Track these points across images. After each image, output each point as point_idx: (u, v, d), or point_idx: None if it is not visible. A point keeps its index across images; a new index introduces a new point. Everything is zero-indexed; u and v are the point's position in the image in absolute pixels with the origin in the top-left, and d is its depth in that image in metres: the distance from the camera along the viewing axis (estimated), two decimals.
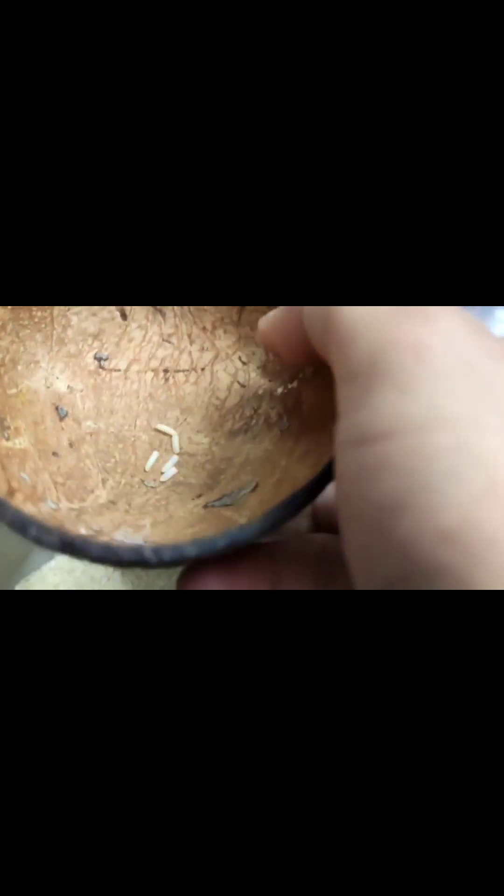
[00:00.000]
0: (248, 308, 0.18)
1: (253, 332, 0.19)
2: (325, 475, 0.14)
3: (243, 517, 0.15)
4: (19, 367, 0.17)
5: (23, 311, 0.17)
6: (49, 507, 0.15)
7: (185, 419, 0.19)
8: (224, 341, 0.19)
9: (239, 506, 0.16)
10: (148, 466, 0.18)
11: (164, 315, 0.19)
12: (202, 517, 0.16)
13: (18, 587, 0.34)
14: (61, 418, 0.18)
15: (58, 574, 0.40)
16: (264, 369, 0.18)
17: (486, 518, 0.11)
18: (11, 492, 0.15)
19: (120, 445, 0.18)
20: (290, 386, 0.18)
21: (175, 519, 0.16)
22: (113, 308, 0.19)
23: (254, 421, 0.18)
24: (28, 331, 0.18)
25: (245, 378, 0.19)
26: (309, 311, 0.16)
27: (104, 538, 0.15)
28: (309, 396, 0.17)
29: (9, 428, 0.16)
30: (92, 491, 0.17)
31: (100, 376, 0.19)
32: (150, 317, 0.19)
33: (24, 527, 0.13)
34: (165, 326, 0.19)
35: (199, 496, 0.17)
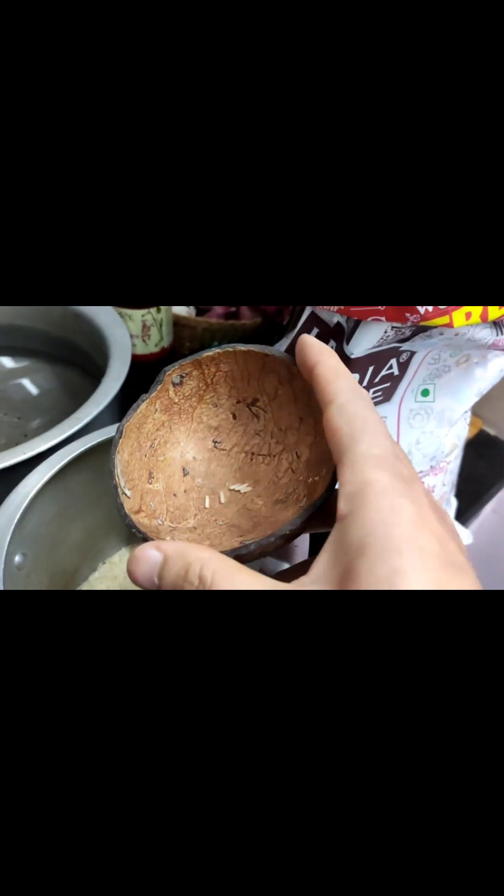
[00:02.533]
0: (305, 420, 0.27)
1: (306, 436, 0.27)
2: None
3: None
4: (168, 445, 0.28)
5: (176, 416, 0.28)
6: (157, 523, 0.25)
7: (255, 486, 0.28)
8: (290, 439, 0.28)
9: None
10: (207, 505, 0.28)
11: (258, 418, 0.29)
12: (235, 549, 0.23)
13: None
14: (184, 475, 0.28)
15: (104, 581, 0.41)
16: (307, 463, 0.26)
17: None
18: (139, 510, 0.25)
19: (211, 496, 0.28)
20: (315, 479, 0.25)
21: (222, 545, 0.24)
22: (228, 412, 0.29)
23: (290, 497, 0.26)
24: (177, 425, 0.29)
25: (296, 467, 0.27)
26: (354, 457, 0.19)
27: None
28: (318, 488, 0.24)
29: (153, 477, 0.27)
30: (186, 519, 0.27)
31: (213, 452, 0.29)
32: (250, 418, 0.29)
33: (130, 527, 0.23)
34: (258, 425, 0.29)
35: (241, 536, 0.25)
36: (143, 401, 0.27)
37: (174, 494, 0.27)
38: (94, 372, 0.56)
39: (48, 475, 0.38)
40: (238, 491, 0.28)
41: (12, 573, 0.34)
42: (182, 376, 0.28)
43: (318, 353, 0.23)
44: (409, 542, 0.17)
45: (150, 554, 0.20)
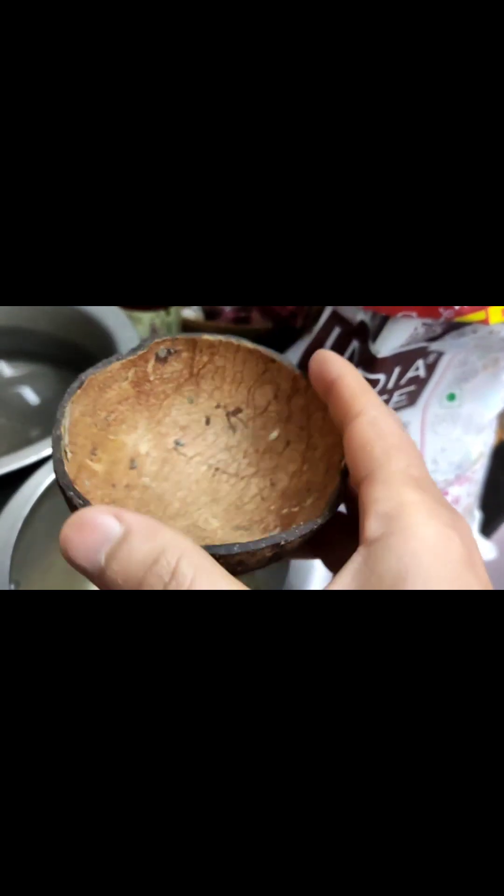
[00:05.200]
0: (292, 444, 0.23)
1: (287, 464, 0.23)
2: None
3: None
4: (123, 426, 0.23)
5: (143, 397, 0.23)
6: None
7: (210, 505, 0.23)
8: (266, 464, 0.23)
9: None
10: (148, 510, 0.23)
11: (234, 431, 0.24)
12: None
13: None
14: (131, 468, 0.23)
15: None
16: (283, 493, 0.22)
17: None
18: (75, 480, 0.19)
19: (156, 502, 0.23)
20: (292, 510, 0.21)
21: None
22: (202, 414, 0.24)
23: (256, 525, 0.22)
24: (141, 408, 0.23)
25: (267, 495, 0.22)
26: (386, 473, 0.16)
27: None
28: (300, 518, 0.20)
29: (95, 455, 0.22)
30: None
31: (170, 454, 0.24)
32: (224, 429, 0.24)
33: (66, 488, 0.17)
34: (231, 440, 0.24)
35: None
36: (117, 359, 0.22)
37: (113, 485, 0.22)
38: None
39: (44, 484, 0.33)
40: (190, 505, 0.23)
41: None
42: (170, 351, 0.23)
43: (342, 367, 0.20)
44: (458, 583, 0.15)
45: (103, 521, 0.14)
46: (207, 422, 0.24)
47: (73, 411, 0.20)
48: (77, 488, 0.18)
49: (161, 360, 0.23)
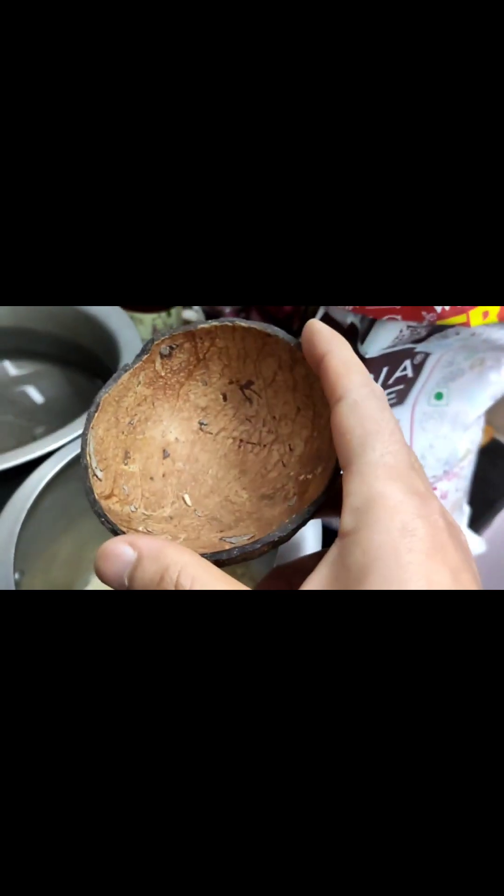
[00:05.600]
0: (303, 411, 0.24)
1: (301, 429, 0.24)
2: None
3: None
4: (149, 423, 0.24)
5: (160, 391, 0.25)
6: (130, 510, 0.22)
7: (240, 477, 0.24)
8: (284, 429, 0.24)
9: (234, 545, 0.20)
10: (188, 502, 0.24)
11: (250, 402, 0.25)
12: (214, 544, 0.21)
13: None
14: (164, 457, 0.24)
15: None
16: (300, 458, 0.23)
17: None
18: (111, 495, 0.22)
19: (193, 483, 0.24)
20: (308, 476, 0.22)
21: (200, 540, 0.21)
22: (218, 392, 0.25)
23: (278, 493, 0.23)
24: (161, 401, 0.25)
25: (287, 460, 0.24)
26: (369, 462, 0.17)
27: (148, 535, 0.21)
28: (311, 488, 0.21)
29: (129, 458, 0.23)
30: (163, 507, 0.23)
31: (198, 435, 0.25)
32: (242, 402, 0.25)
33: (99, 515, 0.20)
34: (249, 410, 0.25)
35: (221, 531, 0.22)
36: (124, 371, 0.23)
37: (151, 478, 0.24)
38: (103, 376, 0.53)
39: (48, 477, 0.35)
40: (222, 480, 0.25)
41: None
42: (172, 347, 0.24)
43: (329, 342, 0.19)
44: (419, 573, 0.15)
45: (121, 550, 0.17)
46: (224, 398, 0.25)
47: (97, 432, 0.22)
48: (107, 506, 0.20)
49: (166, 357, 0.24)
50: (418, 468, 0.17)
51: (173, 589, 0.16)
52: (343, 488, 0.17)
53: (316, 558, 0.23)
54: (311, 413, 0.23)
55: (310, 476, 0.22)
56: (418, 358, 0.39)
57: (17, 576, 0.33)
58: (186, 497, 0.24)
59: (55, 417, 0.57)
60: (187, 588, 0.16)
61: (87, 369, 0.58)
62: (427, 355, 0.39)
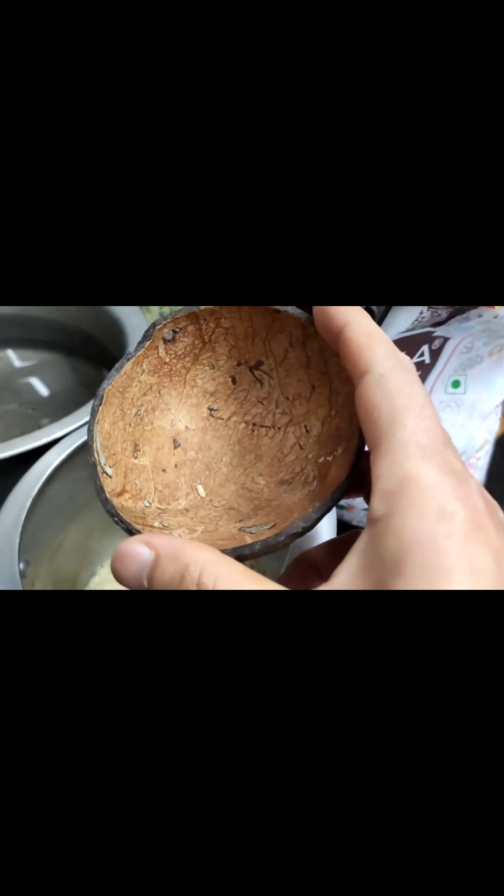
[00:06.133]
0: (318, 389, 0.22)
1: (317, 408, 0.22)
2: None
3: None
4: (156, 412, 0.23)
5: (166, 378, 0.23)
6: (143, 505, 0.21)
7: (256, 463, 0.23)
8: (298, 410, 0.23)
9: (255, 535, 0.19)
10: (202, 494, 0.23)
11: (261, 384, 0.24)
12: (233, 536, 0.20)
13: None
14: (175, 447, 0.23)
15: (105, 585, 0.37)
16: (318, 439, 0.22)
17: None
18: (123, 492, 0.20)
19: (207, 472, 0.23)
20: (327, 458, 0.21)
21: (218, 532, 0.20)
22: (227, 375, 0.24)
23: (297, 477, 0.22)
24: (167, 389, 0.23)
25: (304, 442, 0.22)
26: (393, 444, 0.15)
27: (165, 532, 0.20)
28: (332, 472, 0.20)
29: (139, 450, 0.22)
30: (177, 499, 0.22)
31: (208, 421, 0.24)
32: (252, 384, 0.24)
33: (111, 515, 0.19)
34: (261, 392, 0.24)
35: (240, 521, 0.21)
36: (127, 359, 0.22)
37: (163, 470, 0.23)
38: (110, 365, 0.52)
39: (53, 465, 0.33)
40: (237, 467, 0.23)
41: (20, 582, 0.29)
42: (175, 331, 0.23)
43: (347, 313, 0.18)
44: (460, 560, 0.14)
45: (138, 551, 0.16)
46: (234, 381, 0.24)
47: (103, 427, 0.21)
48: (119, 504, 0.19)
49: (170, 342, 0.23)
50: (452, 445, 0.16)
51: (194, 589, 0.15)
52: (371, 470, 0.16)
53: (343, 543, 0.21)
54: (328, 390, 0.22)
55: (329, 458, 0.20)
56: (436, 343, 0.38)
57: (22, 565, 0.32)
58: (200, 488, 0.23)
59: (60, 408, 0.55)
60: (210, 588, 0.15)
61: (93, 358, 0.56)
62: (446, 340, 0.38)
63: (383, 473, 0.15)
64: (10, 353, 0.59)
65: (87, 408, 0.38)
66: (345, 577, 0.15)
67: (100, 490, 0.19)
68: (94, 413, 0.20)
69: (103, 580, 0.41)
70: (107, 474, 0.20)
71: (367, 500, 0.19)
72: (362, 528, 0.16)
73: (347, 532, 0.22)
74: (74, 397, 0.56)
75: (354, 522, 0.47)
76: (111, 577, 0.43)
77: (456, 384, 0.42)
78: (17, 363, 0.59)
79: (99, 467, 0.20)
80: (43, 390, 0.58)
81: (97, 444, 0.20)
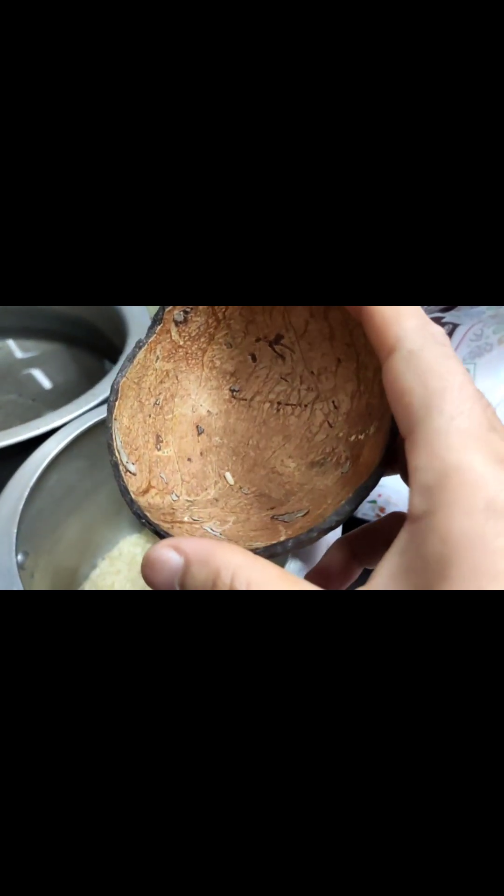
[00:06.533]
0: (344, 362, 0.20)
1: (345, 383, 0.21)
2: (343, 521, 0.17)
3: (284, 535, 0.18)
4: (176, 400, 0.22)
5: (182, 363, 0.22)
6: (171, 499, 0.20)
7: (284, 445, 0.22)
8: (325, 385, 0.21)
9: (289, 524, 0.18)
10: (231, 482, 0.21)
11: (283, 359, 0.22)
12: (266, 525, 0.18)
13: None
14: (199, 434, 0.22)
15: (108, 577, 0.36)
16: (347, 416, 0.20)
17: None
18: (148, 489, 0.19)
19: (234, 458, 0.22)
20: (359, 437, 0.19)
21: (250, 521, 0.19)
22: (246, 353, 0.22)
23: (329, 458, 0.20)
24: (185, 374, 0.22)
25: (334, 420, 0.21)
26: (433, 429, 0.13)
27: (196, 527, 0.19)
28: (366, 451, 0.18)
29: (162, 441, 0.21)
30: (206, 489, 0.21)
31: (231, 403, 0.22)
32: (273, 360, 0.22)
33: (138, 517, 0.17)
34: (284, 368, 0.22)
35: (272, 508, 0.20)
36: (139, 348, 0.20)
37: (189, 459, 0.21)
38: (110, 354, 0.51)
39: (52, 454, 0.32)
40: (265, 450, 0.22)
41: (17, 573, 0.28)
42: (186, 312, 0.21)
43: None
44: None
45: (167, 557, 0.15)
46: (254, 358, 0.22)
47: (122, 422, 0.19)
48: (145, 503, 0.18)
49: (182, 323, 0.21)
50: (500, 427, 0.14)
51: None
52: (408, 461, 0.14)
53: (377, 531, 0.20)
54: (355, 364, 0.20)
55: (361, 437, 0.19)
56: (446, 329, 0.37)
57: (20, 557, 0.31)
58: (228, 475, 0.22)
59: (60, 398, 0.54)
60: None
61: (95, 348, 0.55)
62: (455, 327, 0.37)
63: (421, 465, 0.13)
64: (11, 343, 0.58)
65: (86, 396, 0.37)
66: (384, 580, 0.13)
67: (124, 491, 0.18)
68: (110, 409, 0.19)
69: (104, 572, 0.40)
70: (130, 472, 0.19)
71: (404, 477, 0.17)
72: (368, 521, 0.15)
73: (386, 516, 0.20)
74: (75, 388, 0.55)
75: (360, 514, 0.46)
76: (112, 569, 0.42)
77: None
78: (19, 354, 0.58)
79: (122, 466, 0.18)
80: (44, 381, 0.57)
81: (117, 442, 0.19)
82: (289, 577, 0.14)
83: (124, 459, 0.19)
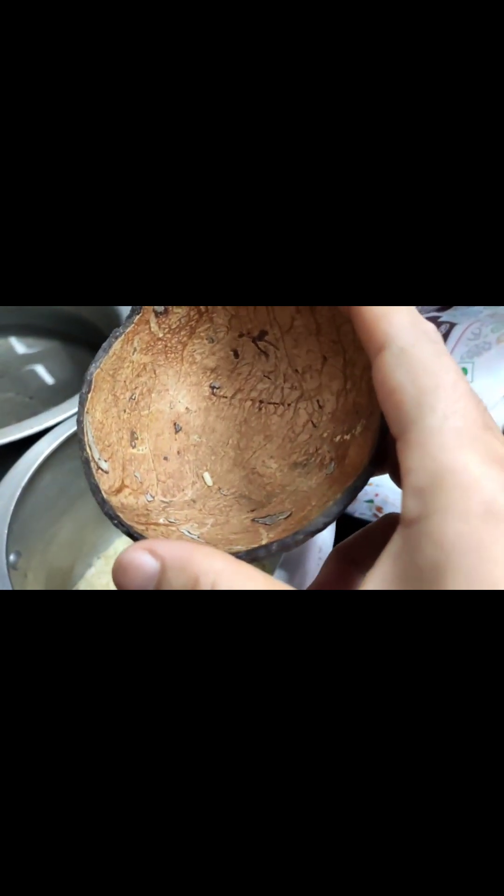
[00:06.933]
0: (330, 360, 0.20)
1: (330, 381, 0.20)
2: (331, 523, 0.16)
3: (267, 538, 0.17)
4: (153, 395, 0.21)
5: (161, 356, 0.21)
6: (146, 500, 0.19)
7: (266, 445, 0.21)
8: (310, 384, 0.20)
9: (271, 527, 0.18)
10: (209, 482, 0.21)
11: (267, 356, 0.21)
12: (246, 528, 0.18)
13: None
14: (176, 432, 0.21)
15: (103, 577, 0.36)
16: (332, 415, 0.20)
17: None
18: (121, 488, 0.18)
19: (213, 457, 0.21)
20: (345, 437, 0.18)
21: (230, 524, 0.18)
22: (228, 348, 0.21)
23: (312, 459, 0.19)
24: (163, 368, 0.21)
25: (318, 420, 0.20)
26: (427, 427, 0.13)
27: (172, 529, 0.18)
28: (352, 452, 0.18)
29: (137, 439, 0.20)
30: (183, 490, 0.20)
31: (211, 401, 0.22)
32: (256, 356, 0.21)
33: (110, 517, 0.17)
34: (267, 365, 0.21)
35: (253, 510, 0.19)
36: (115, 338, 0.19)
37: (165, 458, 0.20)
38: None
39: (44, 455, 0.32)
40: (245, 450, 0.21)
41: (9, 574, 0.28)
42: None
43: None
44: None
45: (141, 561, 0.14)
46: (236, 355, 0.21)
47: (95, 416, 0.18)
48: (118, 503, 0.17)
49: (162, 315, 0.20)
50: (494, 427, 0.13)
51: None
52: (400, 462, 0.13)
53: (377, 532, 0.19)
54: (342, 361, 0.19)
55: (347, 436, 0.18)
56: (443, 328, 0.36)
57: (12, 557, 0.31)
58: (206, 476, 0.21)
59: (55, 396, 0.54)
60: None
61: (92, 345, 0.55)
62: (452, 326, 0.36)
63: (414, 466, 0.13)
64: (12, 340, 0.58)
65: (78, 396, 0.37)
66: (378, 584, 0.13)
67: (95, 490, 0.17)
68: (82, 402, 0.18)
69: (100, 572, 0.40)
70: (102, 470, 0.18)
71: (394, 477, 0.17)
72: (366, 521, 0.14)
73: (380, 519, 0.20)
74: (72, 385, 0.55)
75: (357, 514, 0.46)
76: (108, 568, 0.42)
77: (463, 372, 0.41)
78: (20, 350, 0.58)
79: (93, 463, 0.17)
80: (42, 379, 0.57)
81: (89, 437, 0.18)
82: (275, 585, 0.13)
83: (96, 456, 0.18)
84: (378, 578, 0.13)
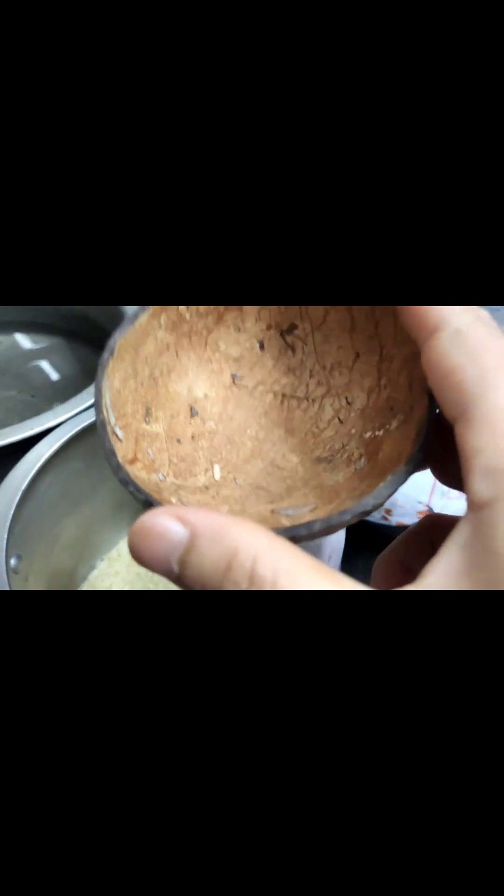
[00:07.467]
0: (363, 356, 0.20)
1: (362, 378, 0.20)
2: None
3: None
4: (172, 376, 0.20)
5: (185, 339, 0.20)
6: (157, 478, 0.18)
7: (286, 438, 0.21)
8: (338, 381, 0.20)
9: (294, 517, 0.17)
10: (217, 476, 0.20)
11: (293, 351, 0.21)
12: (266, 518, 0.17)
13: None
14: (192, 416, 0.20)
15: (106, 579, 0.35)
16: (362, 412, 0.19)
17: None
18: (134, 460, 0.18)
19: (228, 446, 0.21)
20: (377, 433, 0.18)
21: (247, 514, 0.18)
22: (254, 339, 0.21)
23: (338, 455, 0.19)
24: (185, 351, 0.20)
25: (345, 416, 0.20)
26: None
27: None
28: (387, 447, 0.17)
29: (151, 416, 0.19)
30: (195, 475, 0.19)
31: (230, 390, 0.21)
32: (282, 351, 0.21)
33: (125, 483, 0.16)
34: (293, 360, 0.21)
35: (272, 502, 0.18)
36: (143, 311, 0.19)
37: (178, 440, 0.20)
38: None
39: (46, 456, 0.31)
40: (264, 441, 0.21)
41: (9, 578, 0.28)
42: None
43: None
44: None
45: (167, 526, 0.12)
46: (262, 346, 0.21)
47: (113, 383, 0.18)
48: (132, 472, 0.16)
49: None
50: None
51: (246, 583, 0.12)
52: (462, 444, 0.13)
53: (419, 535, 0.19)
54: (377, 357, 0.19)
55: (380, 432, 0.18)
56: None
57: (13, 561, 0.30)
58: (217, 469, 0.20)
59: (59, 395, 0.54)
60: (268, 585, 0.12)
61: (96, 343, 0.55)
62: None
63: (481, 446, 0.12)
64: (16, 336, 0.58)
65: (81, 396, 0.36)
66: (442, 577, 0.12)
67: (110, 454, 0.16)
68: (102, 366, 0.17)
69: (102, 573, 0.39)
70: (117, 437, 0.17)
71: (437, 473, 0.17)
72: (374, 524, 0.13)
73: (423, 518, 0.19)
74: (76, 383, 0.55)
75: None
76: (111, 570, 0.42)
77: None
78: (27, 346, 0.58)
79: (108, 427, 0.17)
80: (46, 375, 0.56)
81: (106, 400, 0.17)
82: (325, 570, 0.12)
83: (112, 421, 0.17)
84: (443, 569, 0.12)
